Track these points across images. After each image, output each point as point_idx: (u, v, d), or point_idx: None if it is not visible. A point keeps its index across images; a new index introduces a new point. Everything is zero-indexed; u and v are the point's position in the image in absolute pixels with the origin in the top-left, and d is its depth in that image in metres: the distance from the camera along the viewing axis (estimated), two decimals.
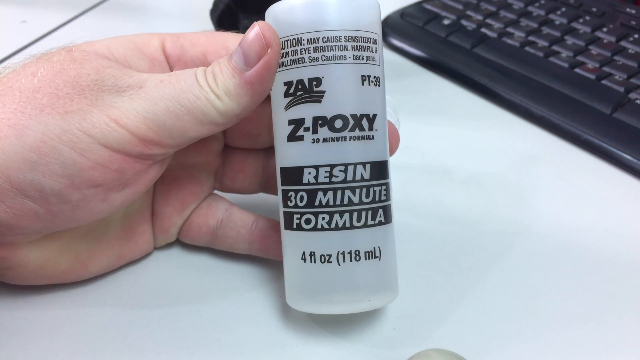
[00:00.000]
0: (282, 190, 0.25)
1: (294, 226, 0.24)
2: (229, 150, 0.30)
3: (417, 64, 0.49)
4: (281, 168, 0.25)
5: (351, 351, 0.25)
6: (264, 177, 0.30)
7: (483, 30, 0.49)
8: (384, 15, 0.53)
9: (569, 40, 0.46)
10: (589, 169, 0.37)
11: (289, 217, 0.25)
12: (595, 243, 0.31)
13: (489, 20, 0.50)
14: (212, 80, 0.23)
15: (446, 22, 0.50)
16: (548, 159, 0.38)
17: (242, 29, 0.46)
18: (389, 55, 0.50)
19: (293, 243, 0.25)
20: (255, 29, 0.23)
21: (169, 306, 0.27)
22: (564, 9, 0.49)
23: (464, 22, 0.50)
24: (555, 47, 0.46)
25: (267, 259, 0.30)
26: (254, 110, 0.25)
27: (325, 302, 0.24)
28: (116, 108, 0.23)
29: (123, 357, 0.25)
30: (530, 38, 0.47)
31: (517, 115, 0.42)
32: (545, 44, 0.46)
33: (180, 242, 0.31)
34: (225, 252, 0.30)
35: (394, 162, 0.31)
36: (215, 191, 0.31)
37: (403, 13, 0.53)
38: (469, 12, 0.51)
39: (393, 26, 0.52)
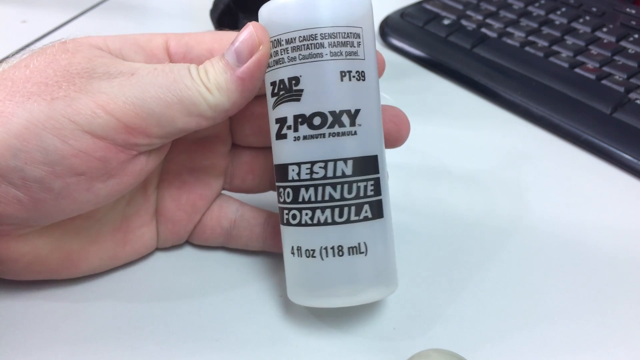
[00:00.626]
0: (276, 186, 0.26)
1: (284, 221, 0.25)
2: (239, 151, 0.30)
3: (417, 64, 0.49)
4: (274, 165, 0.26)
5: (351, 351, 0.25)
6: (272, 176, 0.30)
7: (483, 30, 0.49)
8: (384, 15, 0.54)
9: (569, 40, 0.46)
10: (589, 169, 0.37)
11: (281, 212, 0.25)
12: (595, 243, 0.31)
13: (489, 20, 0.50)
14: (204, 74, 0.24)
15: (446, 22, 0.50)
16: (548, 159, 0.38)
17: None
18: (389, 55, 0.50)
19: (285, 237, 0.26)
20: (249, 29, 0.24)
21: (169, 305, 0.27)
22: (564, 9, 0.49)
23: (464, 22, 0.50)
24: (555, 47, 0.46)
25: (267, 256, 0.30)
26: (267, 105, 0.25)
27: (315, 296, 0.25)
28: (104, 94, 0.23)
29: (123, 356, 0.25)
30: (530, 38, 0.47)
31: (517, 115, 0.42)
32: (545, 44, 0.46)
33: None
34: (225, 249, 0.30)
35: (394, 162, 0.31)
36: (224, 191, 0.31)
37: (403, 13, 0.53)
38: (469, 12, 0.51)
39: (393, 26, 0.52)
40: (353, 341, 0.26)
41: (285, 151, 0.25)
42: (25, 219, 0.24)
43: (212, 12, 0.48)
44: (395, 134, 0.27)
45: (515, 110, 0.42)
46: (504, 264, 0.30)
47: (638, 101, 0.39)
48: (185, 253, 0.30)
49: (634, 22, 0.47)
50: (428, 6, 0.53)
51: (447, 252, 0.31)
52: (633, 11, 0.48)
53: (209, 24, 0.50)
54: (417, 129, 0.40)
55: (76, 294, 0.28)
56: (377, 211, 0.25)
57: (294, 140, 0.24)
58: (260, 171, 0.30)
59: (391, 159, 0.26)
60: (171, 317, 0.27)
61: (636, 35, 0.45)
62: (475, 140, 0.40)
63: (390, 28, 0.52)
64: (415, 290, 0.28)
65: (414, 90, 0.46)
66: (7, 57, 0.26)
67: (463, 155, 0.38)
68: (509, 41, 0.47)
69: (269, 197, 0.31)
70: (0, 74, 0.23)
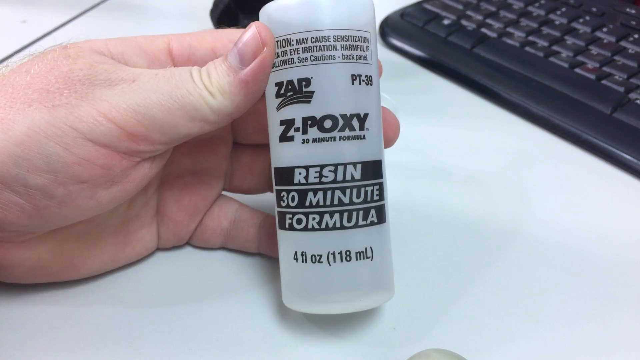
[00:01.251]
0: (276, 190, 0.25)
1: (287, 226, 0.24)
2: (239, 151, 0.30)
3: (417, 64, 0.49)
4: (275, 168, 0.25)
5: (351, 351, 0.25)
6: (271, 177, 0.30)
7: (483, 30, 0.49)
8: (383, 15, 0.54)
9: (569, 40, 0.46)
10: (589, 169, 0.37)
11: (282, 216, 0.25)
12: (595, 243, 0.31)
13: (489, 20, 0.50)
14: (206, 78, 0.23)
15: (446, 22, 0.50)
16: (548, 159, 0.38)
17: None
18: (389, 55, 0.50)
19: (286, 243, 0.25)
20: (252, 29, 0.23)
21: (169, 306, 0.27)
22: (564, 9, 0.49)
23: (464, 22, 0.50)
24: (555, 47, 0.46)
25: (267, 259, 0.30)
26: (267, 106, 0.25)
27: (317, 302, 0.24)
28: (106, 101, 0.23)
29: (123, 357, 0.25)
30: (530, 38, 0.47)
31: (517, 115, 0.42)
32: (545, 44, 0.46)
33: None
34: (225, 250, 0.30)
35: (394, 162, 0.31)
36: (223, 192, 0.31)
37: (403, 13, 0.53)
38: (469, 12, 0.51)
39: (393, 26, 0.52)
40: (353, 341, 0.26)
41: (291, 154, 0.24)
42: (27, 226, 0.24)
43: (212, 12, 0.48)
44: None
45: (515, 110, 0.42)
46: (504, 264, 0.30)
47: (638, 101, 0.39)
48: (185, 253, 0.30)
49: (634, 22, 0.47)
50: (428, 6, 0.53)
51: (446, 252, 0.31)
52: (633, 11, 0.48)
53: (209, 24, 0.50)
54: (417, 129, 0.40)
55: (76, 295, 0.28)
56: (381, 216, 0.25)
57: (302, 143, 0.24)
58: (258, 172, 0.30)
59: (391, 159, 0.26)
60: (171, 317, 0.27)
61: (636, 35, 0.45)
62: (475, 141, 0.40)
63: (390, 28, 0.52)
64: (415, 290, 0.28)
65: (414, 90, 0.46)
66: (7, 59, 0.26)
67: (463, 155, 0.38)
68: (509, 41, 0.47)
69: (264, 199, 0.31)
70: (0, 79, 0.23)
